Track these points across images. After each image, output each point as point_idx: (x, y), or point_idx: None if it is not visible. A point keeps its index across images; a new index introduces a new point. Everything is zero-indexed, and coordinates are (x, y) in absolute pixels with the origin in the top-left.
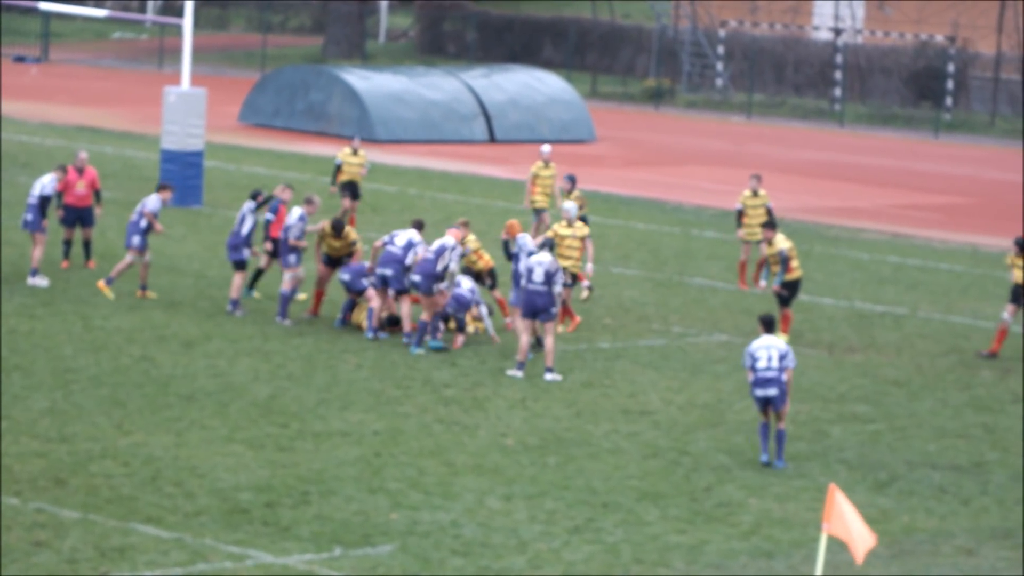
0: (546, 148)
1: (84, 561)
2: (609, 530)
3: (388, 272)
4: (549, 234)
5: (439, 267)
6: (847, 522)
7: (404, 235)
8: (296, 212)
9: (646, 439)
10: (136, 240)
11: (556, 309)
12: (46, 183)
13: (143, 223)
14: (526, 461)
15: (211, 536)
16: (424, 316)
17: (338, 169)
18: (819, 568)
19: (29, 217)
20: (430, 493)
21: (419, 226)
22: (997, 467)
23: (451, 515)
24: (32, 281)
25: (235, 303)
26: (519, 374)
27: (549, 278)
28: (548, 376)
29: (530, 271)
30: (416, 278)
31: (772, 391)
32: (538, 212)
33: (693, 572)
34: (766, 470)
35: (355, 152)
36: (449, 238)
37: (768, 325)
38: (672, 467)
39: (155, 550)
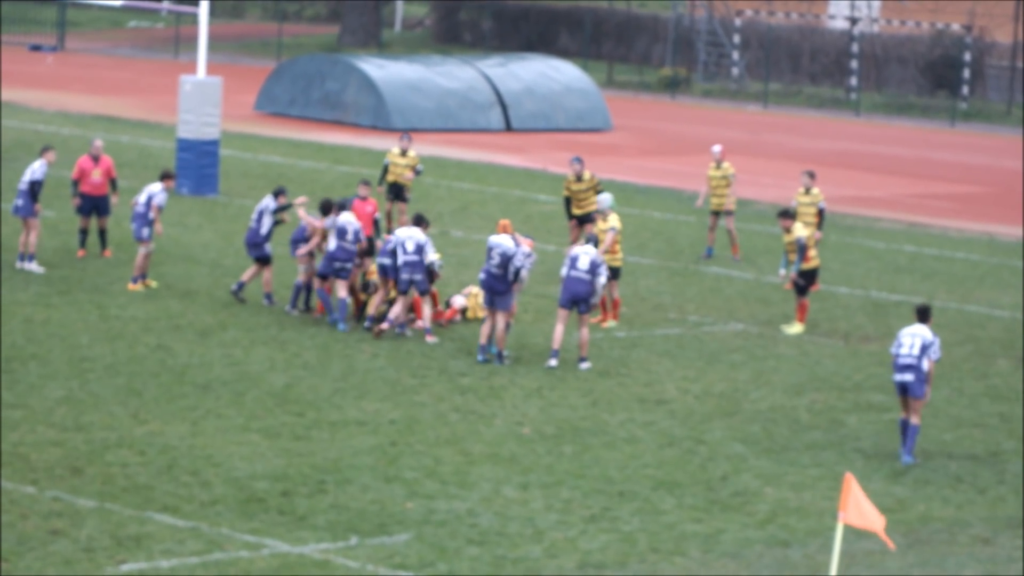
0: (716, 148)
1: (101, 550)
2: (625, 519)
3: (347, 265)
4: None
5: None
6: (865, 510)
7: (350, 225)
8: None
9: (662, 428)
10: (146, 231)
11: (595, 300)
12: (36, 168)
13: (151, 215)
14: (542, 450)
15: (227, 525)
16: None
17: (386, 170)
18: (835, 557)
19: (20, 203)
20: (446, 482)
21: (278, 193)
22: (1013, 456)
23: (467, 504)
24: (28, 266)
25: (269, 296)
26: (554, 363)
27: (594, 268)
28: (583, 365)
29: (575, 259)
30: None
31: (908, 377)
32: (715, 214)
33: (709, 561)
34: (782, 458)
35: (403, 153)
36: (524, 246)
37: (922, 314)
38: (688, 456)
39: (171, 539)
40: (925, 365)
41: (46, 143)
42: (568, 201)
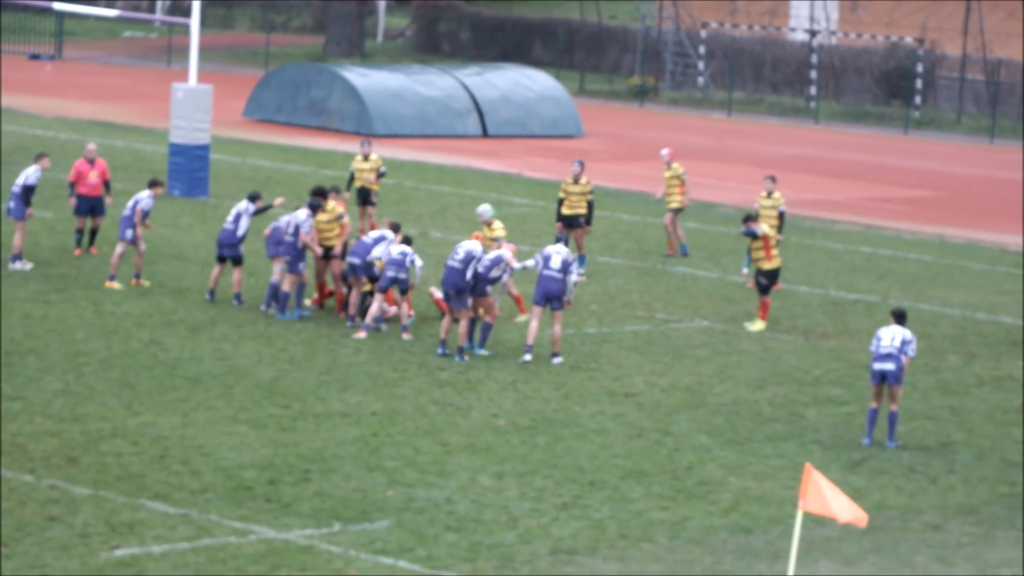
0: (664, 151)
1: (95, 536)
2: (595, 507)
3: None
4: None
5: (494, 274)
6: (827, 499)
7: (293, 219)
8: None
9: (630, 420)
10: (129, 233)
11: (568, 298)
12: (30, 173)
13: (135, 219)
14: (517, 441)
15: (216, 512)
16: (487, 319)
17: (352, 176)
18: (795, 543)
19: (11, 205)
20: (425, 471)
21: (254, 197)
22: (963, 447)
23: (445, 492)
24: (14, 266)
25: (238, 296)
26: (529, 357)
27: (565, 267)
28: (555, 360)
29: (547, 259)
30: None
31: (889, 365)
32: (674, 212)
33: (675, 547)
34: (744, 449)
35: (366, 158)
36: (505, 251)
37: (898, 318)
38: (655, 447)
39: (163, 525)
40: (903, 359)
41: (43, 149)
42: (561, 202)
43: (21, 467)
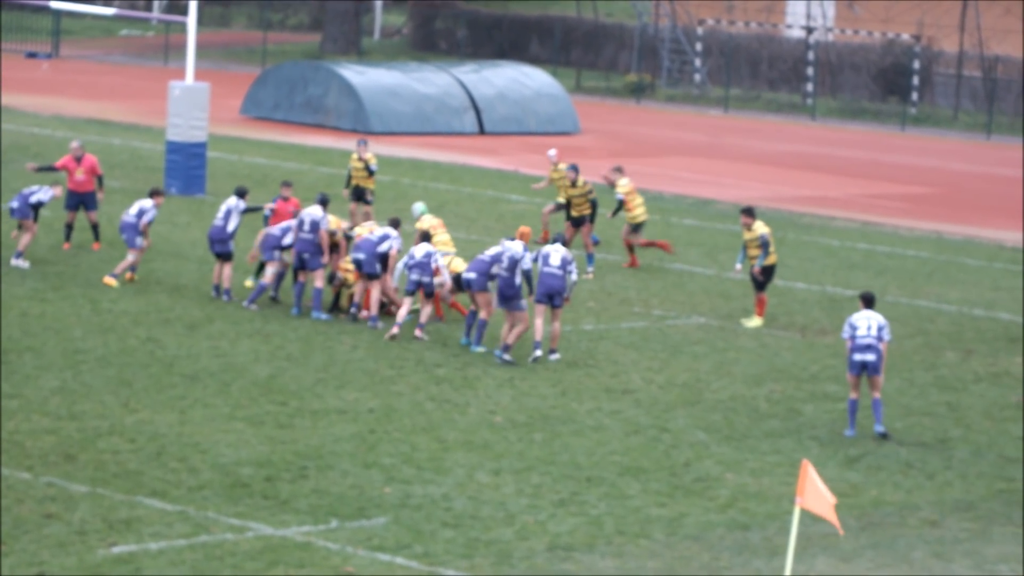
0: (551, 151)
1: (93, 533)
2: (593, 503)
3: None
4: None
5: (493, 271)
6: (820, 495)
7: (307, 216)
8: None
9: (628, 416)
10: (139, 241)
11: (568, 294)
12: (44, 196)
13: (141, 227)
14: (514, 437)
15: (213, 509)
16: (482, 315)
17: (349, 175)
18: (792, 539)
19: (15, 205)
20: (422, 468)
21: (241, 192)
22: (960, 443)
23: (442, 489)
24: (16, 262)
25: (228, 292)
26: (539, 353)
27: (564, 264)
28: (553, 357)
29: (546, 256)
30: (471, 275)
31: (870, 356)
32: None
33: (673, 543)
34: (742, 445)
35: (360, 157)
36: (516, 243)
37: (868, 301)
38: (653, 443)
39: (160, 522)
40: (881, 346)
41: (40, 147)
42: (568, 204)
43: (19, 465)
